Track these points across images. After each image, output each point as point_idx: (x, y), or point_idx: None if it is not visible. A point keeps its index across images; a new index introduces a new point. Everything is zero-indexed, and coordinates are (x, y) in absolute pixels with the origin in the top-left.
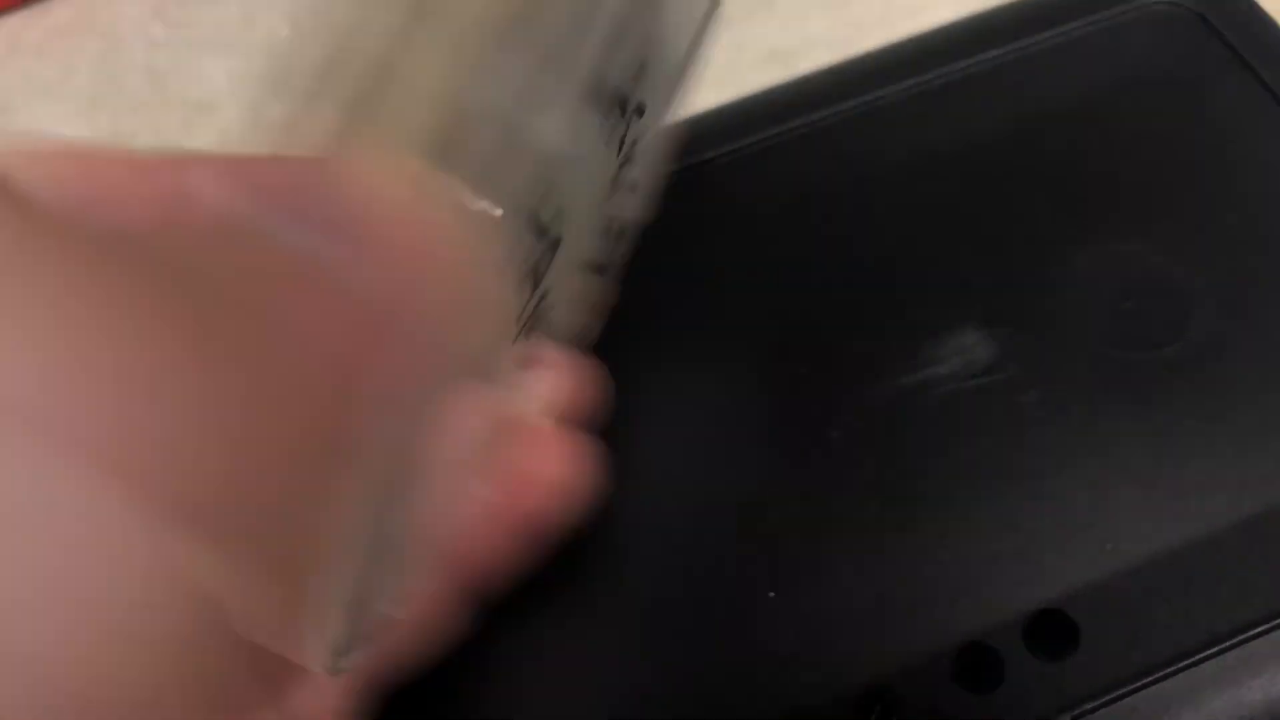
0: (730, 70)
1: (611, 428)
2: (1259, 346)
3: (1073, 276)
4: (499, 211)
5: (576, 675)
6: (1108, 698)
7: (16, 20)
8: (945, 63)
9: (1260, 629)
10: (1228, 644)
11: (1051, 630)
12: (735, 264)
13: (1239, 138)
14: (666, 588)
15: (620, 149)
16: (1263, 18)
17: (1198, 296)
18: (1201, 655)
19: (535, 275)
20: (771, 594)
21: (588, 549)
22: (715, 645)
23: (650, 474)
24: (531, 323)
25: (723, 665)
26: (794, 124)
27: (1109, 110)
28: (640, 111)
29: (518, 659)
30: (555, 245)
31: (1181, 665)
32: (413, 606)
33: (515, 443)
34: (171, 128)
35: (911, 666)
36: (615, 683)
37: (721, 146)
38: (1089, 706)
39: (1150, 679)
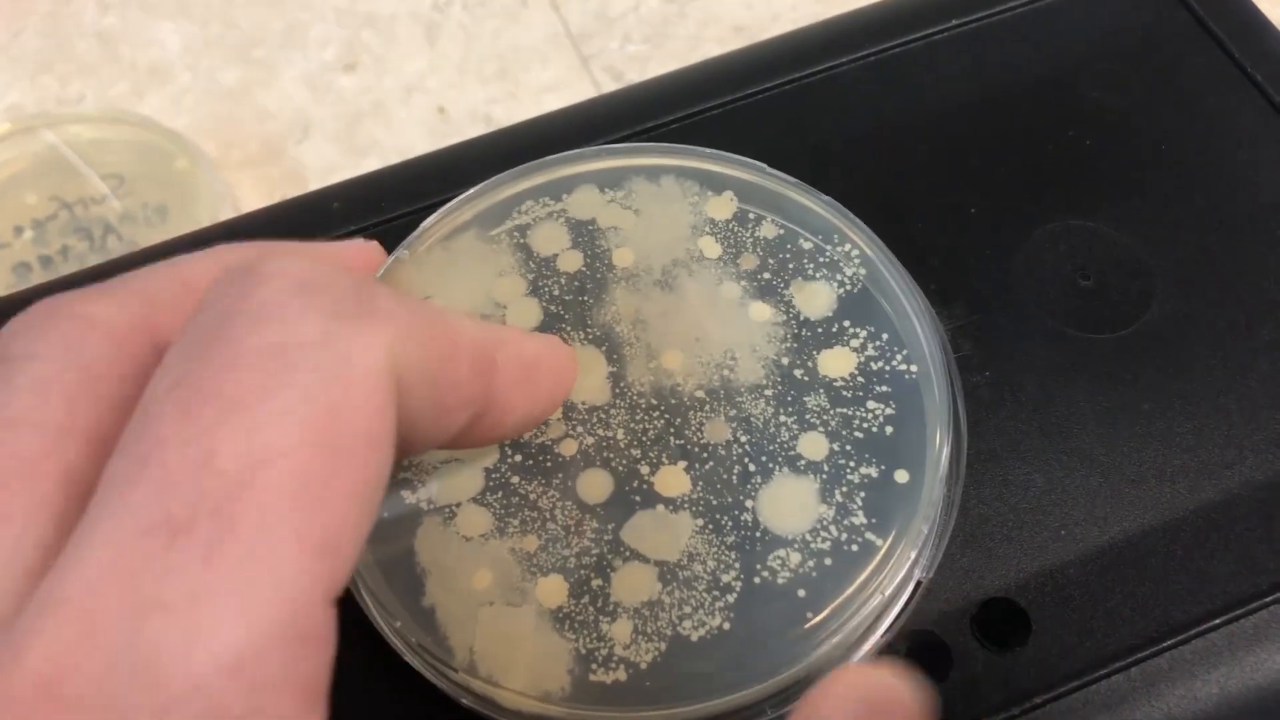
0: (696, 44)
1: None
2: (1221, 329)
3: (1031, 252)
4: None
5: None
6: (1059, 690)
7: None
8: (907, 32)
9: (1216, 620)
10: (1183, 636)
11: (1002, 619)
12: None
13: (1206, 111)
14: None
15: None
16: None
17: (1160, 275)
18: (1156, 647)
19: None
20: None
21: None
22: None
23: None
24: None
25: None
26: (752, 90)
27: (1074, 83)
28: None
29: None
30: None
31: (1135, 658)
32: None
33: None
34: (122, 92)
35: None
36: None
37: (677, 111)
38: (1039, 700)
39: (1103, 671)
